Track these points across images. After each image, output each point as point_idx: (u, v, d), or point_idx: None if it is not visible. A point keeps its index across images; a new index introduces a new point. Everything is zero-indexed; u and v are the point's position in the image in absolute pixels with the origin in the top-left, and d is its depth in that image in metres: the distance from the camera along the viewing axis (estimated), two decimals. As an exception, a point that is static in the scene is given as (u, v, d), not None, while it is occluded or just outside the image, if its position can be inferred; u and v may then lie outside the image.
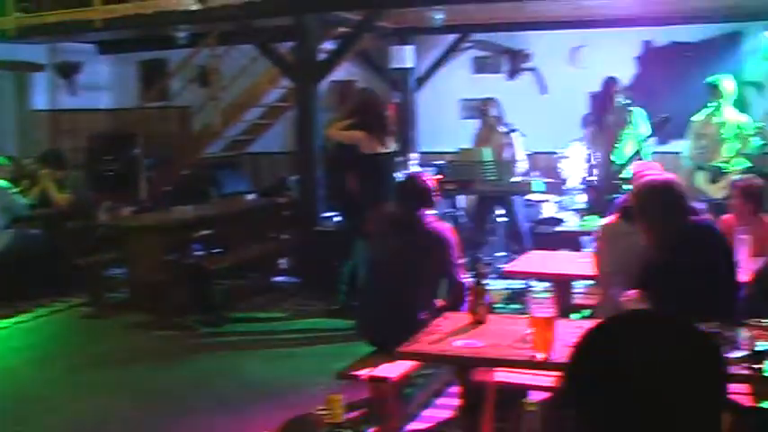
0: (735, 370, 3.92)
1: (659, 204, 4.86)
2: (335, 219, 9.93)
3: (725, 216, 7.02)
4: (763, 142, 9.24)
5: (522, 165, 10.47)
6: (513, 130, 10.24)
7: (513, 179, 10.09)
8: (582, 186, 10.17)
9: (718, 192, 9.14)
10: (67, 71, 14.25)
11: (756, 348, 3.96)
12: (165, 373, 7.54)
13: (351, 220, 8.92)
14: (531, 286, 8.10)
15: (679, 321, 1.84)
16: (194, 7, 10.67)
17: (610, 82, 9.64)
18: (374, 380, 5.50)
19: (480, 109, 10.83)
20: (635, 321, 1.90)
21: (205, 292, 9.20)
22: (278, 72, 11.85)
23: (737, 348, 4.06)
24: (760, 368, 3.90)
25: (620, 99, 9.45)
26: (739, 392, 4.47)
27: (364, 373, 5.56)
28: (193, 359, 7.93)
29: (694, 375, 1.78)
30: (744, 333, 4.20)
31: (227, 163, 13.91)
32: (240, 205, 11.45)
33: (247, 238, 10.51)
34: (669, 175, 5.16)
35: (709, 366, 1.82)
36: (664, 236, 4.82)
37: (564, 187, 10.98)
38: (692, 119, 9.43)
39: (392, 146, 9.03)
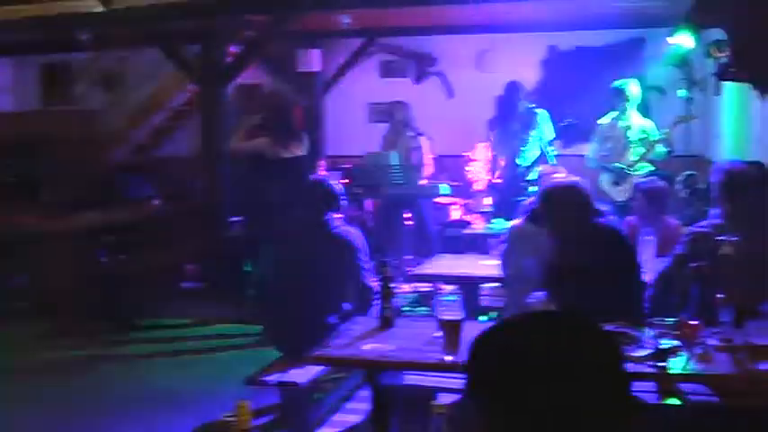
0: (640, 368, 3.98)
1: (564, 206, 4.92)
2: (242, 223, 9.85)
3: (629, 218, 7.15)
4: (667, 149, 9.42)
5: (428, 168, 10.51)
6: (421, 134, 10.26)
7: (420, 183, 10.12)
8: (488, 189, 10.25)
9: (622, 194, 9.28)
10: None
11: (660, 347, 4.02)
12: (70, 383, 7.38)
13: (257, 225, 8.86)
14: (438, 289, 8.13)
15: (580, 320, 1.84)
16: (98, 9, 10.48)
17: (514, 86, 9.73)
18: (283, 385, 5.46)
19: (388, 113, 10.85)
20: (534, 321, 1.90)
21: (112, 299, 9.04)
22: (184, 75, 11.71)
23: (642, 347, 4.12)
24: (664, 366, 3.96)
25: (525, 103, 9.55)
26: (645, 390, 4.55)
27: (273, 378, 5.52)
28: (100, 368, 7.78)
29: (595, 375, 1.78)
30: (648, 332, 4.27)
31: (133, 167, 13.67)
32: (147, 210, 11.28)
33: (154, 244, 10.36)
34: (574, 178, 5.22)
35: (611, 365, 1.83)
36: (569, 237, 4.88)
37: (471, 190, 11.06)
38: (599, 122, 9.56)
39: (298, 150, 9.00)
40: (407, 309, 8.45)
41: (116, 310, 8.99)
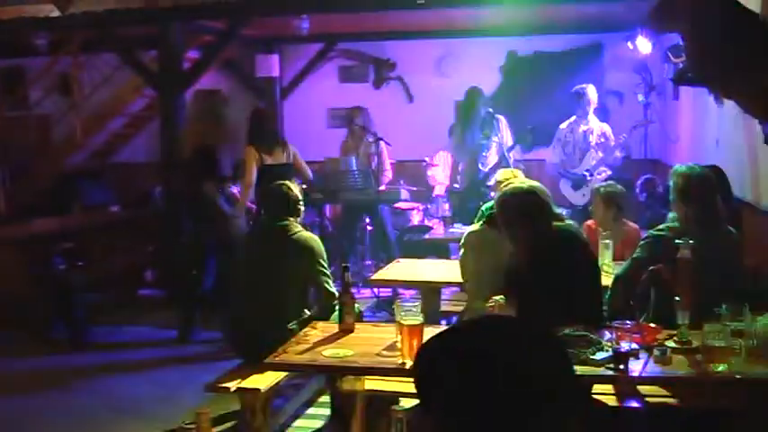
0: (599, 371, 4.00)
1: (523, 211, 4.93)
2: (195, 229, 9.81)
3: (588, 222, 7.19)
4: (624, 154, 9.50)
5: (388, 174, 10.51)
6: (380, 139, 10.25)
7: (380, 188, 10.12)
8: (447, 194, 10.27)
9: (581, 198, 9.35)
10: None
11: (619, 350, 4.04)
12: (25, 394, 7.29)
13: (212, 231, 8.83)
14: (399, 294, 8.14)
15: (525, 326, 1.85)
16: (55, 14, 10.40)
17: (473, 91, 9.76)
18: (243, 391, 5.44)
19: (347, 118, 10.84)
20: (482, 327, 1.90)
21: (68, 307, 8.93)
22: (141, 81, 11.64)
23: (601, 350, 4.14)
24: (623, 369, 3.98)
25: (485, 108, 9.58)
26: (604, 393, 4.58)
27: (233, 384, 5.49)
28: (56, 377, 7.69)
29: (543, 379, 1.79)
30: (607, 335, 4.29)
31: (90, 173, 13.57)
32: (104, 217, 11.21)
33: (112, 251, 10.28)
34: (533, 182, 5.24)
35: (556, 372, 1.83)
36: (528, 242, 4.89)
37: (430, 195, 11.08)
38: (560, 127, 9.62)
39: (282, 158, 9.00)
40: (367, 314, 8.45)
41: (73, 319, 8.88)
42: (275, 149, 8.98)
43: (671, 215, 5.29)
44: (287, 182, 6.31)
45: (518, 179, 5.91)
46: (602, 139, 9.51)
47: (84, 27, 10.68)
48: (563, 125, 9.64)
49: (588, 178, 9.35)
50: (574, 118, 9.57)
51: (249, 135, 9.03)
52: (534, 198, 4.96)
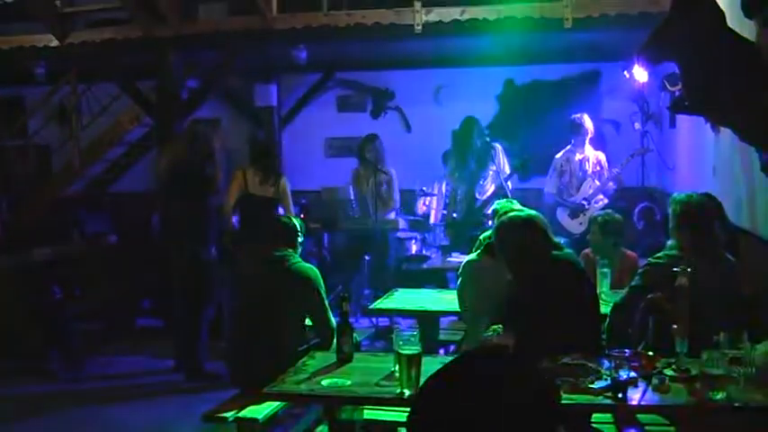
0: (598, 400, 4.00)
1: (521, 240, 4.94)
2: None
3: (586, 250, 7.20)
4: (617, 187, 9.53)
5: (395, 203, 10.52)
6: (389, 170, 10.27)
7: (388, 216, 10.13)
8: (444, 223, 10.28)
9: (579, 227, 9.36)
10: None
11: (618, 378, 4.04)
12: (21, 423, 7.27)
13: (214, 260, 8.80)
14: (397, 323, 8.12)
15: (518, 362, 1.87)
16: (54, 44, 10.45)
17: (470, 121, 9.77)
18: (241, 421, 5.42)
19: (360, 147, 10.83)
20: (475, 363, 1.92)
21: (65, 336, 8.92)
22: (140, 110, 11.66)
23: (600, 379, 4.14)
24: (622, 397, 3.98)
25: (480, 138, 9.59)
26: (603, 422, 4.57)
27: (230, 414, 5.47)
28: (53, 407, 7.66)
29: (528, 415, 1.80)
30: (606, 363, 4.29)
31: (89, 202, 13.57)
32: (102, 246, 11.18)
33: (110, 280, 10.26)
34: (531, 211, 5.25)
35: (542, 407, 1.84)
36: (526, 271, 4.90)
37: (428, 224, 11.08)
38: (556, 156, 9.64)
39: (269, 191, 8.93)
40: (366, 343, 8.43)
41: (70, 348, 8.86)
42: (266, 181, 8.91)
43: (669, 243, 5.30)
44: (286, 213, 6.33)
45: (516, 208, 5.92)
46: (598, 168, 9.54)
47: (82, 57, 10.71)
48: (559, 154, 9.66)
49: (585, 207, 9.38)
50: (569, 147, 9.60)
51: (254, 166, 9.00)
52: (532, 226, 4.98)
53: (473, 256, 5.97)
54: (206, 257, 8.39)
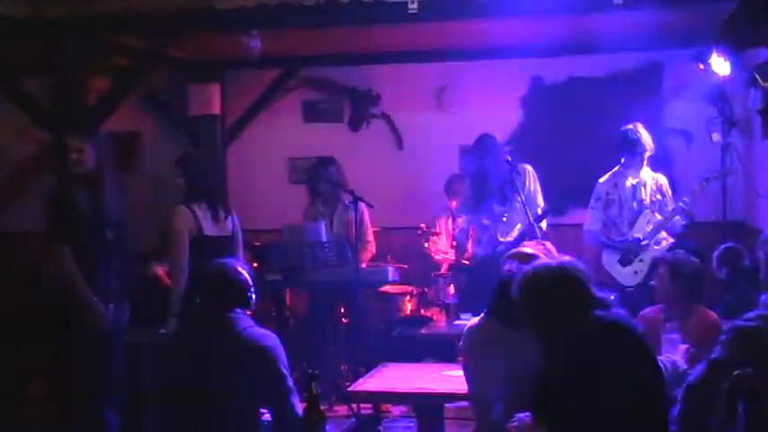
0: None
1: (553, 298, 4.88)
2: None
3: (646, 309, 7.13)
4: (686, 222, 9.46)
5: (371, 246, 10.51)
6: (359, 200, 10.21)
7: (359, 265, 10.09)
8: (454, 273, 10.26)
9: (633, 277, 9.31)
10: None
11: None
12: None
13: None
14: (385, 412, 8.09)
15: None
16: None
17: (488, 141, 9.70)
18: None
19: (310, 174, 10.80)
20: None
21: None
22: (27, 119, 11.55)
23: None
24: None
25: (504, 159, 9.55)
26: None
27: None
28: None
29: None
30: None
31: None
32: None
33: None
34: (565, 258, 5.19)
35: None
36: (561, 340, 4.83)
37: (430, 275, 11.06)
38: (600, 180, 9.61)
39: (226, 226, 8.78)
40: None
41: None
42: (219, 213, 8.77)
43: (763, 299, 5.25)
44: (231, 260, 6.26)
45: (546, 252, 5.87)
46: (659, 196, 9.49)
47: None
48: (603, 178, 9.62)
49: (642, 249, 9.31)
50: (618, 167, 9.55)
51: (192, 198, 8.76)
52: (568, 280, 4.92)
53: (475, 320, 5.91)
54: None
